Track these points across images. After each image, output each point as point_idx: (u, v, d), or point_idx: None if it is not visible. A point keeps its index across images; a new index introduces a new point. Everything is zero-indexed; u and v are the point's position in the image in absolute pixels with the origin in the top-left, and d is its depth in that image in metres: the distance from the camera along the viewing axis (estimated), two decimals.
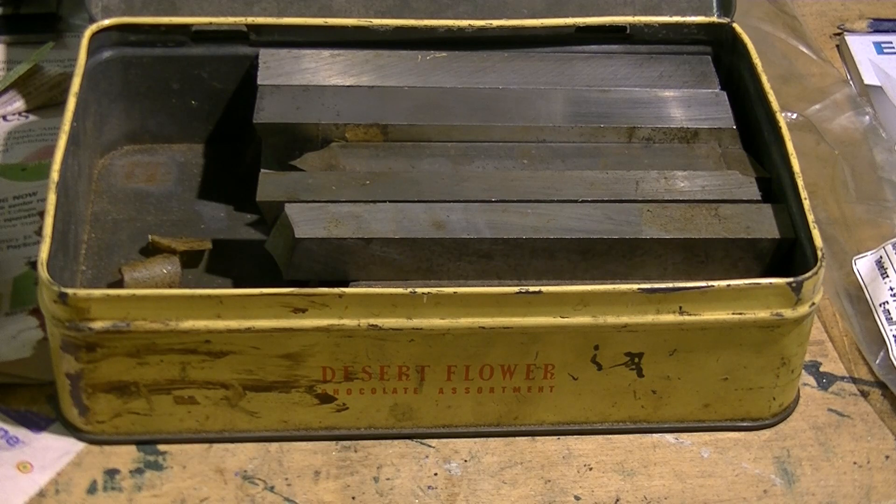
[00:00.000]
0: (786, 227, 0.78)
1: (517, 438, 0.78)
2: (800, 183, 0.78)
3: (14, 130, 0.95)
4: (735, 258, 0.79)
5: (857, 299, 0.86)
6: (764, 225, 0.79)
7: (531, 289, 0.72)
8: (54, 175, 0.75)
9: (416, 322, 0.72)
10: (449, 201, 0.79)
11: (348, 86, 0.87)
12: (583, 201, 0.80)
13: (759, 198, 0.81)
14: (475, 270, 0.78)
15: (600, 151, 0.85)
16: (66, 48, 1.01)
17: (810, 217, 0.76)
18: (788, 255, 0.79)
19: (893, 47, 1.05)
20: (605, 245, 0.78)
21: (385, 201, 0.79)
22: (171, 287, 0.79)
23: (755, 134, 0.86)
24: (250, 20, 0.87)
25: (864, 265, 0.87)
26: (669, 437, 0.79)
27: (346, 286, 0.73)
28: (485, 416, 0.77)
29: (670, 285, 0.73)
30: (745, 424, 0.79)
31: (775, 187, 0.82)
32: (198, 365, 0.73)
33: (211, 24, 0.87)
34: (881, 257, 0.86)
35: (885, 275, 0.85)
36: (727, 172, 0.83)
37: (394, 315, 0.72)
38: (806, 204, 0.77)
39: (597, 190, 0.81)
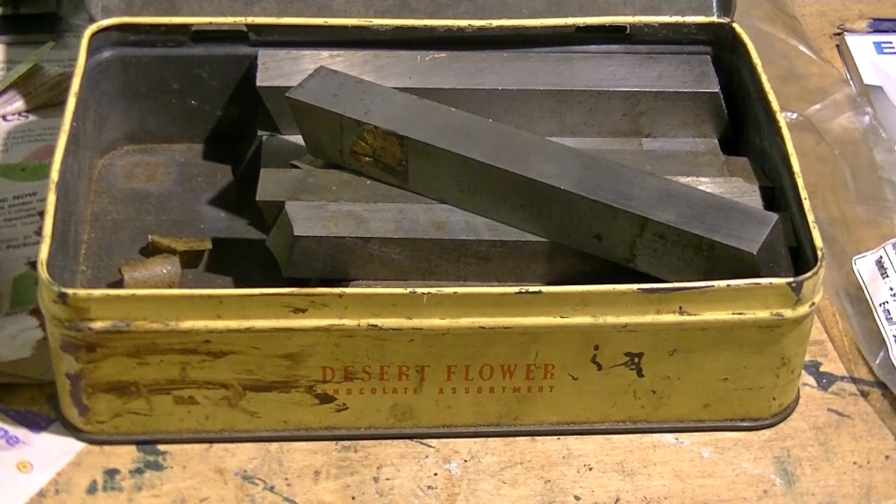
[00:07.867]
0: (788, 236, 0.78)
1: (517, 438, 0.78)
2: (800, 183, 0.78)
3: (14, 130, 0.95)
4: None
5: (857, 299, 0.86)
6: None
7: (531, 289, 0.72)
8: (54, 175, 0.75)
9: (416, 322, 0.72)
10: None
11: None
12: None
13: (762, 206, 0.81)
14: (474, 272, 0.78)
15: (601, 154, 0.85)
16: (66, 48, 1.01)
17: (810, 217, 0.76)
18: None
19: (893, 47, 1.05)
20: None
21: (385, 201, 0.79)
22: (171, 287, 0.79)
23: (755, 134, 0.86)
24: (250, 20, 0.87)
25: (864, 265, 0.86)
26: (669, 437, 0.79)
27: (346, 286, 0.73)
28: (485, 416, 0.77)
29: (670, 285, 0.73)
30: (745, 424, 0.79)
31: (776, 189, 0.82)
32: (198, 365, 0.73)
33: (211, 24, 0.87)
34: (881, 257, 0.86)
35: (885, 275, 0.85)
36: (730, 179, 0.83)
37: (394, 315, 0.72)
38: (806, 204, 0.77)
39: None
